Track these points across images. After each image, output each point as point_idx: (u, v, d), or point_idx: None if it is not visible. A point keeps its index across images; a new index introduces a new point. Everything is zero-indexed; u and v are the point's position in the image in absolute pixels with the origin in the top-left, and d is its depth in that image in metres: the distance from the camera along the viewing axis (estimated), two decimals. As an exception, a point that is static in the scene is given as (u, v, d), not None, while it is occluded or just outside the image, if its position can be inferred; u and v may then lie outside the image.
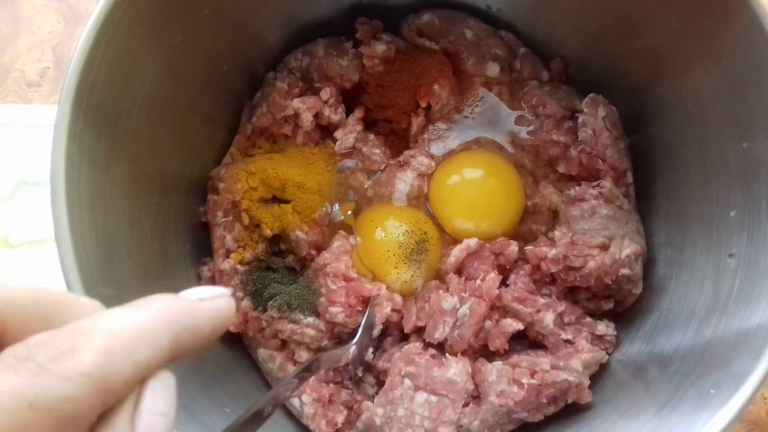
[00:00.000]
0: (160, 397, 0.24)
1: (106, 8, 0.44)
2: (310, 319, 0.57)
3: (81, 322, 0.23)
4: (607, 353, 0.57)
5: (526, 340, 0.59)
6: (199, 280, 0.62)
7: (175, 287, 0.57)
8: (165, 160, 0.57)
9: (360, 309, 0.57)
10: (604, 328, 0.58)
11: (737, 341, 0.43)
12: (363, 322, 0.57)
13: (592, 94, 0.61)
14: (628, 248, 0.56)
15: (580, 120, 0.61)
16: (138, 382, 0.23)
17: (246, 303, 0.59)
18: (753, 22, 0.45)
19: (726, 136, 0.51)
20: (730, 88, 0.49)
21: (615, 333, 0.58)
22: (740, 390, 0.39)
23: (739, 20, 0.46)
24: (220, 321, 0.26)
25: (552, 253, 0.57)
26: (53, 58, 0.81)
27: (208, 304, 0.26)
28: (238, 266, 0.61)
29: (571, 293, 0.60)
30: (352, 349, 0.56)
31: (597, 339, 0.58)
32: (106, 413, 0.22)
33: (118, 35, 0.45)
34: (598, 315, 0.60)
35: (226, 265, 0.60)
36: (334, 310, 0.56)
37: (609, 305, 0.59)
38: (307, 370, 0.51)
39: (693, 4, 0.49)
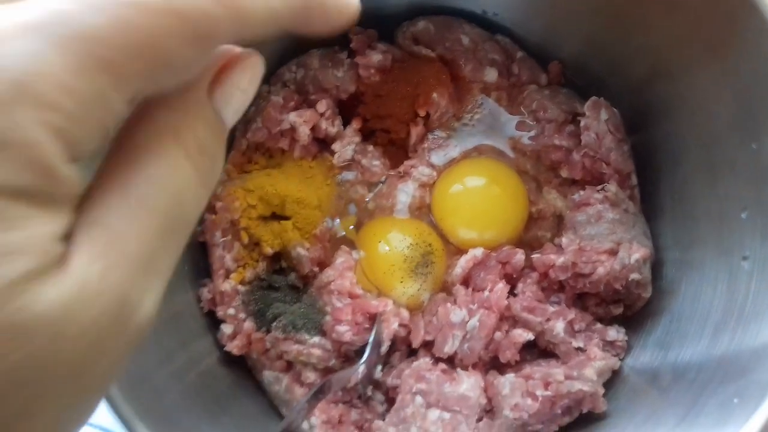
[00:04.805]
0: (248, 76, 0.23)
1: None
2: (316, 339, 0.56)
3: None
4: (619, 359, 0.56)
5: (536, 349, 0.58)
6: (198, 302, 0.60)
7: (174, 309, 0.56)
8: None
9: (367, 326, 0.56)
10: (615, 333, 0.57)
11: (757, 348, 0.42)
12: (371, 339, 0.55)
13: (593, 97, 0.60)
14: (637, 252, 0.55)
15: (582, 124, 0.60)
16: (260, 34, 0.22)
17: (249, 324, 0.58)
18: (762, 26, 0.44)
19: (733, 136, 0.50)
20: (736, 89, 0.48)
21: (626, 338, 0.57)
22: (766, 400, 0.38)
23: (747, 23, 0.45)
24: (338, 16, 0.25)
25: (560, 260, 0.56)
26: None
27: None
28: (239, 286, 0.59)
29: (579, 299, 0.59)
30: (361, 368, 0.54)
31: (608, 345, 0.57)
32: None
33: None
34: (608, 320, 0.59)
35: (226, 285, 0.58)
36: (341, 328, 0.55)
37: (618, 310, 0.58)
38: (318, 394, 0.50)
39: (697, 7, 0.48)
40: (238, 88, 0.23)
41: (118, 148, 0.20)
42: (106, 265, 0.18)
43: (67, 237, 0.18)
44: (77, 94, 0.17)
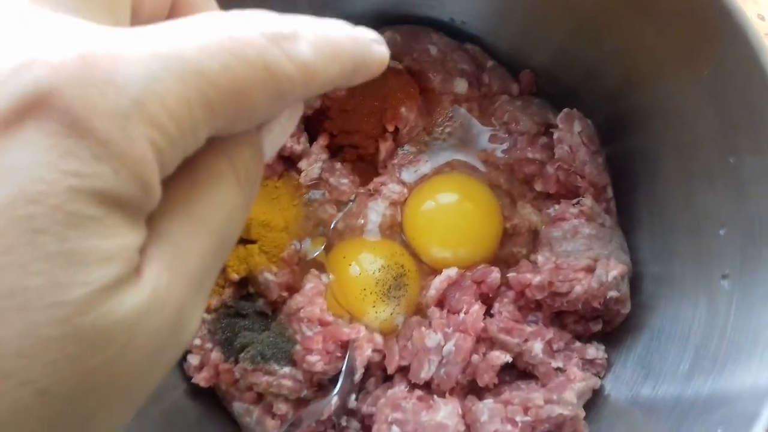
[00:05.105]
0: (288, 111, 0.25)
1: None
2: (287, 369, 0.54)
3: (290, 16, 0.22)
4: (599, 378, 0.55)
5: (515, 371, 0.56)
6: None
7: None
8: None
9: (339, 355, 0.54)
10: (594, 351, 0.55)
11: (741, 376, 0.41)
12: (343, 368, 0.53)
13: (566, 109, 0.59)
14: (614, 269, 0.53)
15: (555, 136, 0.58)
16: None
17: (216, 354, 0.55)
18: (736, 33, 0.43)
19: (710, 148, 0.49)
20: (712, 100, 0.47)
21: (606, 356, 0.56)
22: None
23: (721, 31, 0.44)
24: (378, 69, 0.25)
25: (536, 279, 0.54)
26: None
27: (380, 48, 0.24)
28: (205, 314, 0.57)
29: (557, 316, 0.57)
30: (334, 400, 0.52)
31: (588, 363, 0.55)
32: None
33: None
34: (587, 337, 0.57)
35: (191, 314, 0.56)
36: (311, 358, 0.53)
37: (597, 326, 0.57)
38: (291, 427, 0.48)
39: (671, 14, 0.47)
40: (279, 122, 0.24)
41: (180, 168, 0.20)
42: (171, 279, 0.19)
43: (141, 249, 0.19)
44: (180, 122, 0.18)
